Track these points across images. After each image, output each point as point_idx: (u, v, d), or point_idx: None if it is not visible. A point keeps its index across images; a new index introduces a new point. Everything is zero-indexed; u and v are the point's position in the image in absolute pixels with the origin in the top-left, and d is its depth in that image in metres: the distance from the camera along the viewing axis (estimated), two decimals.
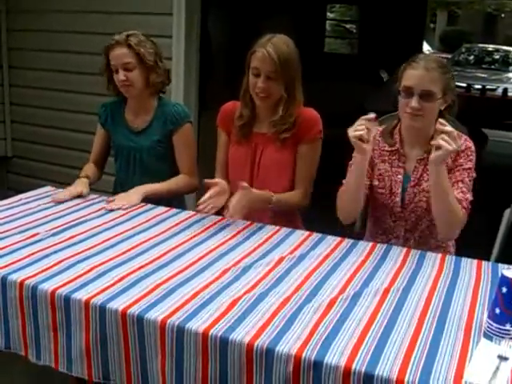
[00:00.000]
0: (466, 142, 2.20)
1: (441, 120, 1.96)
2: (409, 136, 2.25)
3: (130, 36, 2.58)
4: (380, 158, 2.30)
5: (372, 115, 2.05)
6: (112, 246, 2.03)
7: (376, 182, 2.29)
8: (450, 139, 1.90)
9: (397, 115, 2.29)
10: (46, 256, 1.92)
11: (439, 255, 2.05)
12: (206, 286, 1.73)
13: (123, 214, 2.37)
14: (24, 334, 1.79)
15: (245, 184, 2.27)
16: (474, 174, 2.19)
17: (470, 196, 2.16)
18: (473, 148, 2.20)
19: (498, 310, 1.50)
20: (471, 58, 12.90)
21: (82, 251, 1.97)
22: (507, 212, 2.83)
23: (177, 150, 2.68)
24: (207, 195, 2.28)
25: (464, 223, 2.14)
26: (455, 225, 2.12)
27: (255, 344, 1.43)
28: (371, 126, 2.03)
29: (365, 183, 2.22)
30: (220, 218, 2.35)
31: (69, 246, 2.02)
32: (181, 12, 3.80)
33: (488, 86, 8.87)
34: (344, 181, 2.25)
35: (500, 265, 1.96)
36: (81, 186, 2.59)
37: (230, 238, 2.14)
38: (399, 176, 2.25)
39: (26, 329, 1.78)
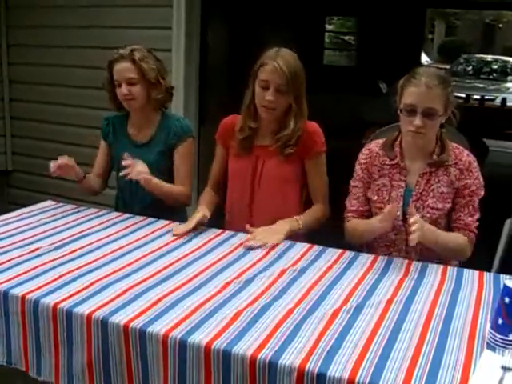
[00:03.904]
0: (469, 158, 2.21)
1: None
2: (410, 150, 2.25)
3: (135, 51, 2.58)
4: (379, 173, 2.29)
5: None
6: (113, 260, 2.03)
7: (375, 197, 2.28)
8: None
9: (397, 127, 2.29)
10: (48, 270, 1.92)
11: (441, 266, 2.05)
12: (209, 299, 1.73)
13: (123, 228, 2.37)
14: (25, 348, 1.78)
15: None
16: (483, 191, 2.21)
17: (477, 215, 2.21)
18: (475, 163, 2.21)
19: (500, 321, 1.50)
20: (469, 68, 12.97)
21: (84, 265, 1.97)
22: (508, 222, 2.83)
23: (176, 162, 2.68)
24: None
25: (472, 246, 2.21)
26: (463, 255, 2.22)
27: (258, 357, 1.43)
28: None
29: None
30: (221, 231, 2.35)
31: (70, 260, 2.02)
32: (180, 25, 3.81)
33: (487, 96, 8.90)
34: (349, 215, 2.31)
35: (502, 275, 1.97)
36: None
37: (231, 251, 2.14)
38: (400, 190, 2.24)
39: (27, 344, 1.78)
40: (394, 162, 2.27)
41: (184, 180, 2.68)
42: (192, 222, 2.34)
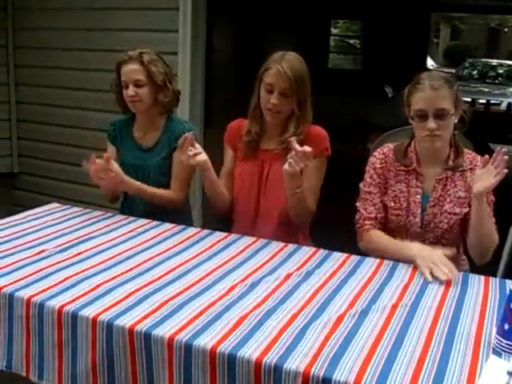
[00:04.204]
0: None
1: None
2: (426, 155, 2.23)
3: (143, 53, 2.59)
4: (395, 179, 2.26)
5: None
6: (119, 263, 2.03)
7: (391, 204, 2.26)
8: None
9: (403, 131, 2.28)
10: (53, 273, 1.92)
11: None
12: (214, 303, 1.73)
13: (130, 231, 2.37)
14: (27, 352, 1.78)
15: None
16: (493, 196, 2.20)
17: (493, 218, 2.18)
18: None
19: (506, 326, 1.50)
20: (475, 72, 12.94)
21: (89, 268, 1.97)
22: None
23: (173, 166, 2.68)
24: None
25: None
26: (492, 248, 2.16)
27: (263, 361, 1.43)
28: None
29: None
30: (226, 234, 2.35)
31: (76, 263, 2.02)
32: (186, 28, 3.81)
33: (492, 101, 8.90)
34: (367, 222, 2.25)
35: (508, 281, 1.96)
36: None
37: (236, 255, 2.14)
38: (418, 196, 2.22)
39: (30, 347, 1.77)
40: (410, 168, 2.25)
41: (179, 184, 2.68)
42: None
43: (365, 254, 2.26)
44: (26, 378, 1.81)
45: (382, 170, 2.28)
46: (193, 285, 1.86)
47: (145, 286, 1.84)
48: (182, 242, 2.26)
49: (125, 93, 2.61)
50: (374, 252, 2.25)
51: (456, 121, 2.17)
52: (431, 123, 2.08)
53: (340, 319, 1.64)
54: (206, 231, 2.39)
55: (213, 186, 2.48)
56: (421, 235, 2.24)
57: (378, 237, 2.25)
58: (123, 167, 2.75)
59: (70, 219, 2.50)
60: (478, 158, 2.22)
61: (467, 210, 2.18)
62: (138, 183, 2.60)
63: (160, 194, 2.64)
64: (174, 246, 2.21)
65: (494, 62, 13.46)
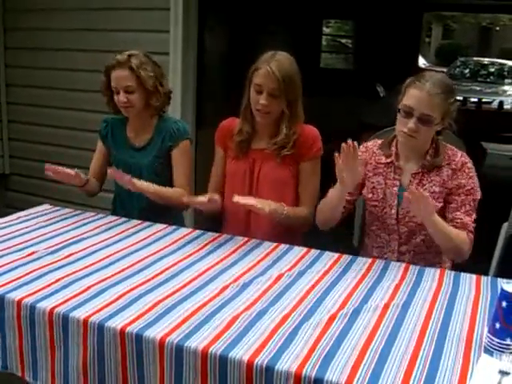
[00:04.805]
0: (462, 158, 2.21)
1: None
2: (404, 151, 2.26)
3: (132, 57, 2.57)
4: (374, 171, 2.30)
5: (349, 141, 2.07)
6: (110, 264, 2.03)
7: (369, 195, 2.30)
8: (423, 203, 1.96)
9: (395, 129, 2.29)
10: (44, 274, 1.92)
11: (438, 270, 2.04)
12: (205, 304, 1.73)
13: (120, 233, 2.36)
14: (21, 353, 1.78)
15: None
16: (479, 193, 2.20)
17: (474, 215, 2.18)
18: (470, 165, 2.20)
19: (498, 325, 1.50)
20: (466, 71, 12.94)
21: (81, 269, 1.97)
22: (505, 226, 2.82)
23: (173, 165, 2.68)
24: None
25: (471, 245, 2.17)
26: (463, 253, 2.15)
27: (255, 362, 1.43)
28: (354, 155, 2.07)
29: (345, 199, 2.25)
30: (218, 235, 2.35)
31: (67, 264, 2.01)
32: (177, 29, 3.80)
33: (484, 99, 8.91)
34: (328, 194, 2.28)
35: (499, 279, 1.96)
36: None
37: (228, 255, 2.14)
38: (395, 188, 2.25)
39: (23, 348, 1.77)
40: (388, 161, 2.28)
41: (182, 185, 2.67)
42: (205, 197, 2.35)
43: (355, 251, 2.27)
44: (21, 379, 1.81)
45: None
46: (184, 285, 1.86)
47: (136, 287, 1.84)
48: (173, 243, 2.26)
49: (116, 98, 2.60)
50: (322, 214, 2.30)
51: (439, 129, 2.18)
52: (411, 123, 2.10)
53: (332, 319, 1.64)
54: (197, 231, 2.39)
55: None
56: (396, 228, 2.27)
57: (322, 201, 2.30)
58: (115, 166, 2.75)
59: (61, 220, 2.49)
60: (459, 154, 2.22)
61: (441, 204, 2.20)
62: (147, 185, 2.56)
63: (164, 192, 2.62)
64: (166, 247, 2.21)
65: (486, 60, 13.47)
